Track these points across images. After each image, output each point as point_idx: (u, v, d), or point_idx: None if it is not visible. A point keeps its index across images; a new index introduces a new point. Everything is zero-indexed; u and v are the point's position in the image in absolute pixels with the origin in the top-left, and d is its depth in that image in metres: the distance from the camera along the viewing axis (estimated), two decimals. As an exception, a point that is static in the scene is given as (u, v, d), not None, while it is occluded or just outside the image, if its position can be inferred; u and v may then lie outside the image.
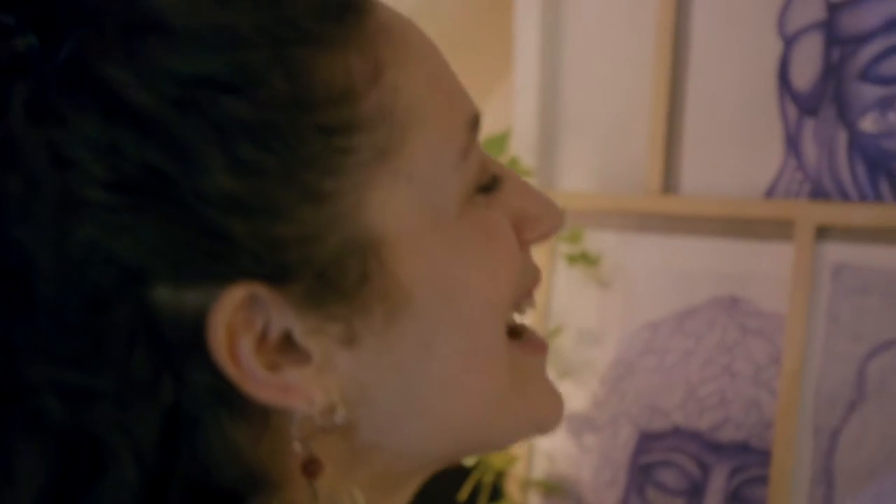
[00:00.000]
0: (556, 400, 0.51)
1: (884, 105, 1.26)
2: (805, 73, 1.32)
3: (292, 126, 0.41)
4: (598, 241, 1.46)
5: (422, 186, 0.44)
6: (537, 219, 0.51)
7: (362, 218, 0.42)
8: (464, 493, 1.44)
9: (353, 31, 0.43)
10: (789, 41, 1.33)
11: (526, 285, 0.51)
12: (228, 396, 0.42)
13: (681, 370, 1.39)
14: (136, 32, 0.38)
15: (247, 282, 0.41)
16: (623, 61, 1.45)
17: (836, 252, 1.27)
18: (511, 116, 1.49)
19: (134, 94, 0.38)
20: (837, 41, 1.29)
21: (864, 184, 1.27)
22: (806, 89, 1.32)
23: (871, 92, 1.27)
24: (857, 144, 1.28)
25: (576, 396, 1.44)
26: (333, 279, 0.42)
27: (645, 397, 1.42)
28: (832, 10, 1.29)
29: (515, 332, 0.51)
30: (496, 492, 1.49)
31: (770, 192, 1.34)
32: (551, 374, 0.58)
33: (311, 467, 0.43)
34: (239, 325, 0.41)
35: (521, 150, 1.47)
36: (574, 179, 1.47)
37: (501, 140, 1.43)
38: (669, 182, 1.42)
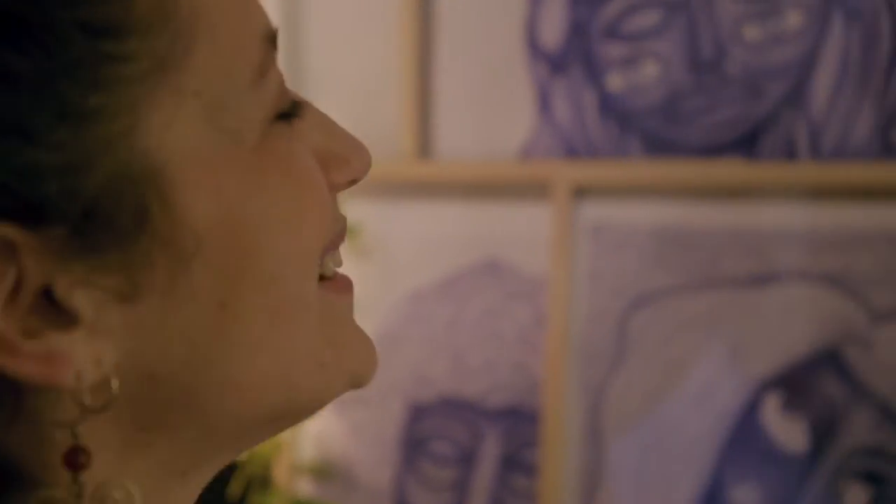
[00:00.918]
0: (368, 346, 0.45)
1: (629, 62, 1.28)
2: (552, 32, 1.31)
3: (48, 21, 0.33)
4: (354, 210, 1.40)
5: (211, 107, 0.37)
6: (345, 160, 0.44)
7: (138, 143, 0.35)
8: (235, 490, 1.35)
9: None
10: (535, 0, 1.32)
11: (334, 235, 0.44)
12: None
13: (447, 338, 1.36)
14: None
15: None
16: (369, 23, 1.40)
17: (593, 211, 1.28)
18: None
19: None
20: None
21: (616, 142, 1.29)
22: (554, 48, 1.32)
23: (617, 50, 1.28)
24: (606, 103, 1.29)
25: (342, 375, 1.38)
26: (103, 219, 0.35)
27: (413, 369, 1.38)
28: (577, -32, 1.29)
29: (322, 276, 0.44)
30: (265, 483, 1.41)
31: (525, 154, 1.33)
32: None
33: (75, 458, 0.36)
34: None
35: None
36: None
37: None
38: (424, 147, 1.38)
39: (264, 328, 0.39)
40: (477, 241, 1.34)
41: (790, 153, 1.21)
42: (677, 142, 1.26)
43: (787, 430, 1.20)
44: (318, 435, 1.43)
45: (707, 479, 1.23)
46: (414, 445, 1.39)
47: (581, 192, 1.28)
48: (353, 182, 0.45)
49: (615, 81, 1.28)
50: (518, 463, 1.33)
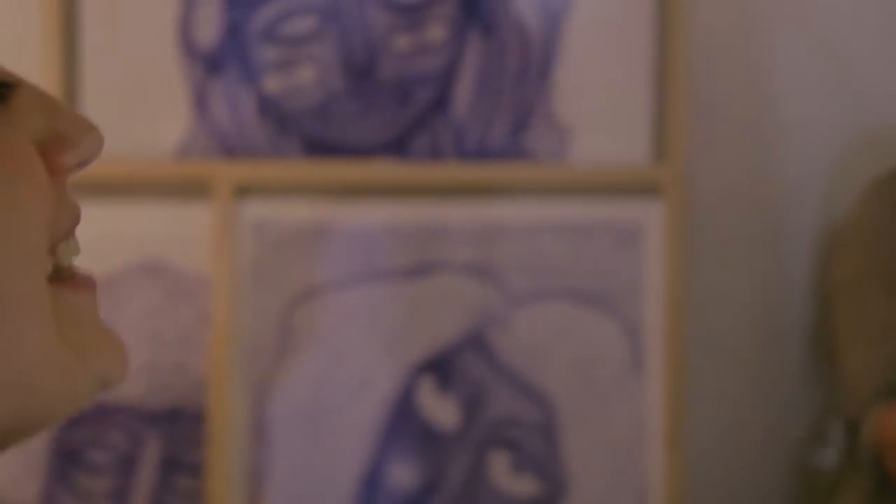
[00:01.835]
0: (115, 346, 0.43)
1: (286, 65, 1.32)
2: (207, 32, 1.32)
3: None
4: None
5: None
6: (72, 140, 0.41)
7: None
8: None
9: None
10: (189, 0, 1.32)
11: (64, 224, 0.42)
12: None
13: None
14: None
15: None
16: (9, 21, 1.32)
17: (254, 209, 1.31)
18: None
19: None
20: (238, 1, 1.31)
21: (275, 142, 1.32)
22: (209, 49, 1.33)
23: (273, 52, 1.32)
24: (264, 104, 1.32)
25: None
26: None
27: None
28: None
29: (56, 273, 0.42)
30: None
31: (182, 153, 1.33)
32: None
33: None
34: None
35: None
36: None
37: None
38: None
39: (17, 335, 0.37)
40: (135, 241, 1.31)
41: (437, 154, 1.32)
42: (333, 143, 1.32)
43: (439, 410, 1.30)
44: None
45: (367, 462, 1.30)
46: (65, 456, 1.33)
47: (242, 191, 1.30)
48: (84, 164, 0.43)
49: (272, 83, 1.32)
50: (182, 465, 1.32)
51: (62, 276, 0.41)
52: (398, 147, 1.31)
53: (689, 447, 1.32)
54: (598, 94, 1.32)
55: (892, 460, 1.15)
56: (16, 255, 0.37)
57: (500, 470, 1.30)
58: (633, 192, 1.32)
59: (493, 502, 1.31)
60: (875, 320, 1.20)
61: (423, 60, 1.31)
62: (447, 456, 1.30)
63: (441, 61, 1.32)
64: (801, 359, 1.41)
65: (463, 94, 1.31)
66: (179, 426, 1.32)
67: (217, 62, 1.33)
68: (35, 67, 1.31)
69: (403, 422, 1.30)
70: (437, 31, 1.32)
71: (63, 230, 0.41)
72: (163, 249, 1.31)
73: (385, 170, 1.31)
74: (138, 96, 1.33)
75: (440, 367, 1.30)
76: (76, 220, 0.42)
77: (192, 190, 1.31)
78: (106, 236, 1.31)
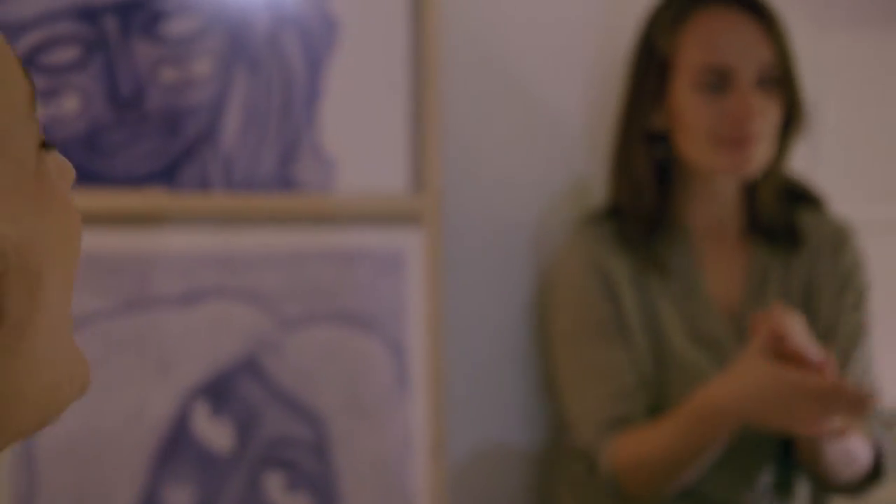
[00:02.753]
0: (83, 356, 0.48)
1: (50, 95, 1.31)
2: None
3: None
4: None
5: (2, 139, 0.39)
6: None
7: None
8: None
9: None
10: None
11: None
12: None
13: None
14: None
15: None
16: None
17: None
18: None
19: None
20: (-3, 28, 1.29)
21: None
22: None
23: (37, 81, 1.30)
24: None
25: None
26: None
27: None
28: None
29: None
30: None
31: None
32: None
33: None
34: None
35: None
36: None
37: None
38: None
39: (46, 345, 0.41)
40: None
41: (205, 184, 1.35)
42: (101, 172, 1.32)
43: (214, 434, 1.33)
44: None
45: (143, 488, 1.30)
46: None
47: (4, 220, 1.27)
48: None
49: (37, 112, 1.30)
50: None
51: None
52: (167, 177, 1.33)
53: (449, 457, 1.42)
54: (361, 128, 1.41)
55: (631, 485, 1.29)
56: (69, 279, 0.43)
57: (275, 489, 1.35)
58: (394, 221, 1.41)
59: (267, 522, 1.35)
60: (595, 364, 1.33)
61: (190, 93, 1.35)
62: (223, 478, 1.32)
63: (208, 94, 1.35)
64: (540, 378, 1.56)
65: (231, 126, 1.36)
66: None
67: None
68: None
69: (179, 446, 1.31)
70: (203, 65, 1.35)
71: None
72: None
73: (154, 199, 1.32)
74: None
75: (215, 392, 1.33)
76: None
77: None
78: None
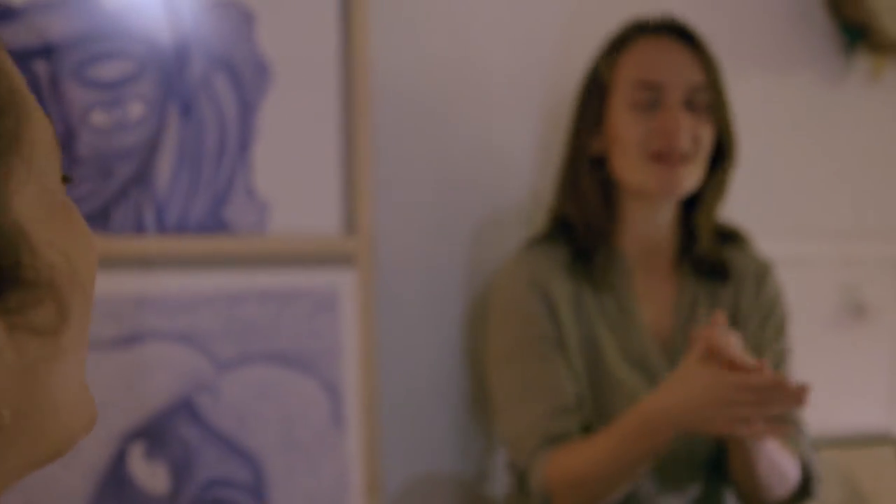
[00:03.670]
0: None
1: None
2: None
3: None
4: None
5: (40, 172, 0.42)
6: None
7: (6, 207, 0.40)
8: None
9: None
10: None
11: None
12: None
13: None
14: None
15: None
16: None
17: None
18: None
19: None
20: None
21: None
22: None
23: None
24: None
25: None
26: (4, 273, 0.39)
27: None
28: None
29: None
30: None
31: None
32: None
33: None
34: None
35: None
36: None
37: None
38: None
39: (79, 359, 0.45)
40: None
41: (139, 226, 1.36)
42: (33, 215, 1.31)
43: (150, 475, 1.32)
44: None
45: (74, 536, 1.28)
46: None
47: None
48: None
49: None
50: None
51: None
52: (101, 219, 1.34)
53: (384, 493, 1.44)
54: (294, 170, 1.43)
55: (562, 500, 1.31)
56: (92, 298, 0.46)
57: (212, 530, 1.34)
58: (327, 262, 1.43)
59: (203, 564, 1.34)
60: (534, 381, 1.36)
61: (122, 136, 1.35)
62: (159, 521, 1.32)
63: (141, 137, 1.36)
64: (470, 410, 1.59)
65: (164, 168, 1.37)
66: None
67: None
68: None
69: (114, 489, 1.30)
70: (135, 109, 1.36)
71: None
72: None
73: (87, 242, 1.32)
74: None
75: (150, 434, 1.32)
76: None
77: None
78: None
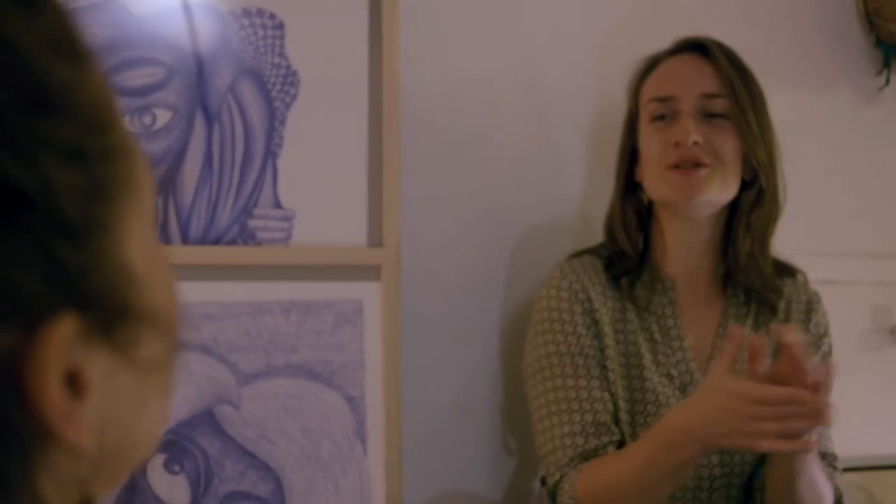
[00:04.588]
0: None
1: None
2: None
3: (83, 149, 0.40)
4: None
5: (146, 213, 0.44)
6: None
7: (124, 248, 0.42)
8: None
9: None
10: None
11: None
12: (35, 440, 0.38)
13: None
14: None
15: (66, 312, 0.38)
16: None
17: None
18: None
19: None
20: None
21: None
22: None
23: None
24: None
25: None
26: (109, 311, 0.41)
27: None
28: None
29: None
30: None
31: None
32: None
33: None
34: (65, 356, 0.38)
35: None
36: None
37: None
38: None
39: (171, 392, 0.47)
40: None
41: (164, 236, 1.35)
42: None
43: (170, 486, 1.31)
44: None
45: (92, 547, 1.27)
46: None
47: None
48: None
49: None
50: None
51: None
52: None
53: (405, 509, 1.42)
54: (320, 182, 1.42)
55: None
56: None
57: (231, 543, 1.33)
58: (352, 274, 1.42)
59: (222, 577, 1.33)
60: (563, 399, 1.36)
61: (149, 144, 1.35)
62: (178, 533, 1.30)
63: (167, 145, 1.36)
64: (497, 426, 1.57)
65: (189, 177, 1.36)
66: None
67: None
68: None
69: (133, 500, 1.29)
70: (162, 116, 1.36)
71: None
72: None
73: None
74: None
75: (171, 445, 1.31)
76: None
77: None
78: None
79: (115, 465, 0.46)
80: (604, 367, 1.36)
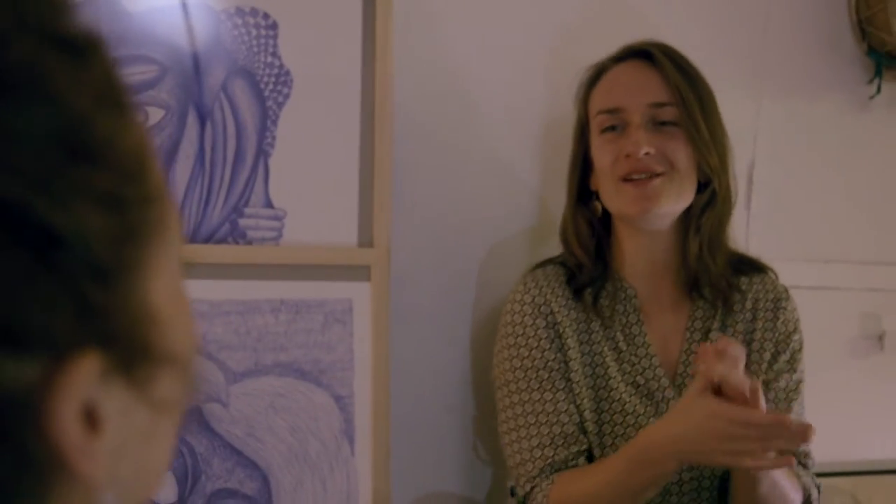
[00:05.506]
0: None
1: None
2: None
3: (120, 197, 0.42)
4: None
5: (172, 260, 0.45)
6: None
7: (151, 289, 0.43)
8: None
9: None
10: None
11: None
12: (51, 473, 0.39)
13: None
14: None
15: (90, 350, 0.39)
16: None
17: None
18: None
19: None
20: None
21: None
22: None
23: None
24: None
25: None
26: (130, 350, 0.42)
27: None
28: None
29: None
30: None
31: None
32: None
33: None
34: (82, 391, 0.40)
35: None
36: None
37: None
38: None
39: (172, 433, 0.48)
40: None
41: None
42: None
43: (157, 484, 1.31)
44: None
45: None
46: None
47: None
48: None
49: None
50: None
51: None
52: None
53: (392, 509, 1.42)
54: (311, 182, 1.42)
55: None
56: None
57: (217, 541, 1.33)
58: (342, 274, 1.42)
59: (208, 575, 1.33)
60: (530, 412, 1.36)
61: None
62: (164, 530, 1.31)
63: (159, 143, 1.36)
64: (480, 427, 1.58)
65: (181, 177, 1.36)
66: None
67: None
68: None
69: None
70: (154, 114, 1.36)
71: None
72: None
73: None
74: None
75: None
76: None
77: None
78: None
79: (125, 499, 0.46)
80: (568, 380, 1.36)
